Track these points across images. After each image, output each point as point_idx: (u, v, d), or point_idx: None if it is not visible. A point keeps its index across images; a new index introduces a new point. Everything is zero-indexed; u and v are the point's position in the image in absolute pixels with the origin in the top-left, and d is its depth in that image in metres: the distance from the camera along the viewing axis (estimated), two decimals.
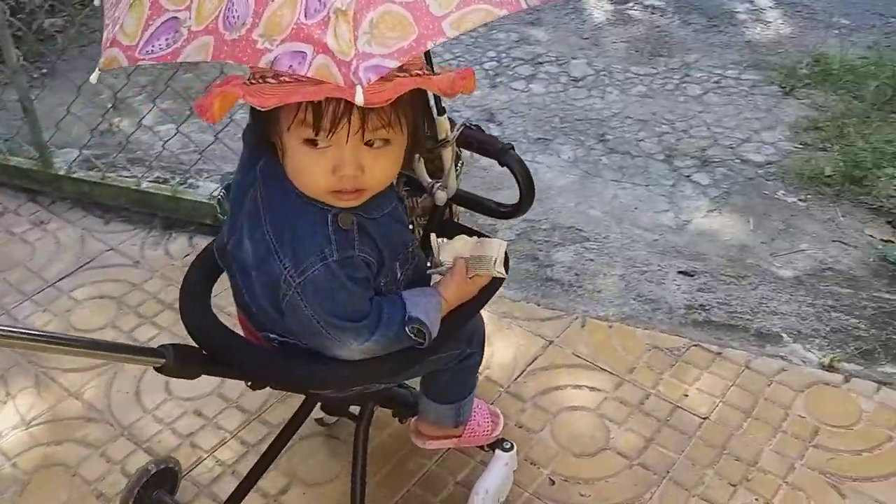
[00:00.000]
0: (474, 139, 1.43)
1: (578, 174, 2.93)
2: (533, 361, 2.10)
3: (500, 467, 1.73)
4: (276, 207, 1.22)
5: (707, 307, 2.29)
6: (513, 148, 1.42)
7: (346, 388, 1.40)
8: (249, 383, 1.47)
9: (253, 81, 1.09)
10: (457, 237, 1.42)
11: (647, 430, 1.92)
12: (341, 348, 1.23)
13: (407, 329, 1.25)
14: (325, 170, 1.14)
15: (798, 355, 2.12)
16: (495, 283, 1.40)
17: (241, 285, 1.31)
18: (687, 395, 2.01)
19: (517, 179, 1.42)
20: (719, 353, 2.12)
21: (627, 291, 2.34)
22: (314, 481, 1.84)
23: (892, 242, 2.59)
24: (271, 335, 1.31)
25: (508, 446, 1.75)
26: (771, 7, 4.10)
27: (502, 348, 2.14)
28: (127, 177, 2.80)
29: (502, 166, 1.41)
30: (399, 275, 1.31)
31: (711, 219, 2.71)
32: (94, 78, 1.10)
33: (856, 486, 1.79)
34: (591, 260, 2.48)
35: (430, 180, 1.45)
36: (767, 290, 2.36)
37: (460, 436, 1.71)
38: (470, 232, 1.47)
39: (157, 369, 1.25)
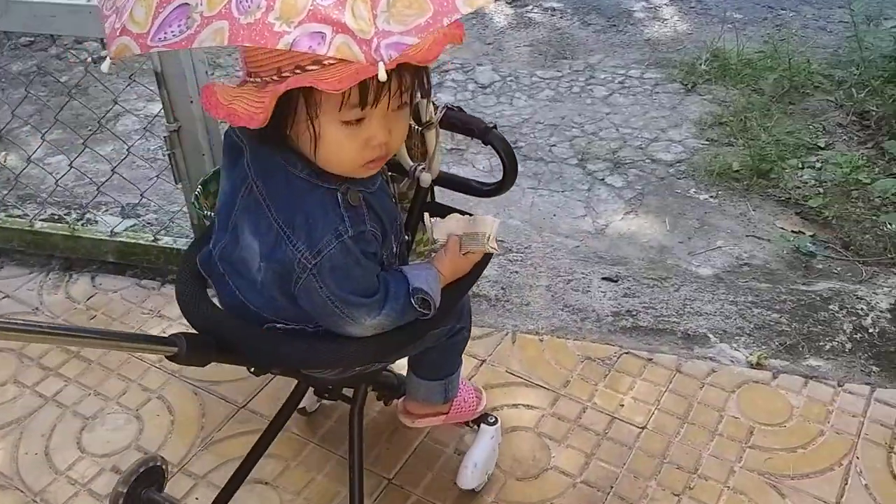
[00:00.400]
0: (458, 120, 1.46)
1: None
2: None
3: (487, 441, 1.79)
4: (280, 196, 1.24)
5: (633, 312, 2.29)
6: (495, 127, 1.46)
7: (356, 365, 1.43)
8: (252, 369, 1.50)
9: (254, 80, 1.13)
10: (449, 216, 1.47)
11: (588, 446, 1.90)
12: (354, 325, 1.27)
13: (413, 301, 1.30)
14: (360, 144, 1.20)
15: (726, 355, 2.14)
16: (486, 258, 1.47)
17: (235, 286, 1.34)
18: (623, 405, 2.00)
19: (501, 157, 1.46)
20: (650, 359, 2.12)
21: (555, 302, 2.32)
22: (309, 467, 1.86)
23: (803, 234, 2.65)
24: (277, 325, 1.34)
25: (493, 420, 1.80)
26: (666, 4, 4.17)
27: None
28: (18, 216, 2.61)
29: (486, 145, 1.46)
30: (395, 248, 1.37)
31: (629, 221, 2.72)
32: (105, 66, 1.09)
33: (794, 484, 1.81)
34: (516, 272, 2.44)
35: (412, 163, 1.47)
36: (690, 290, 2.38)
37: (448, 412, 1.75)
38: (458, 212, 1.52)
39: (169, 358, 1.26)
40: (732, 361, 2.12)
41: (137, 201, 2.64)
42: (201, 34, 1.02)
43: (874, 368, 2.10)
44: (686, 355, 2.14)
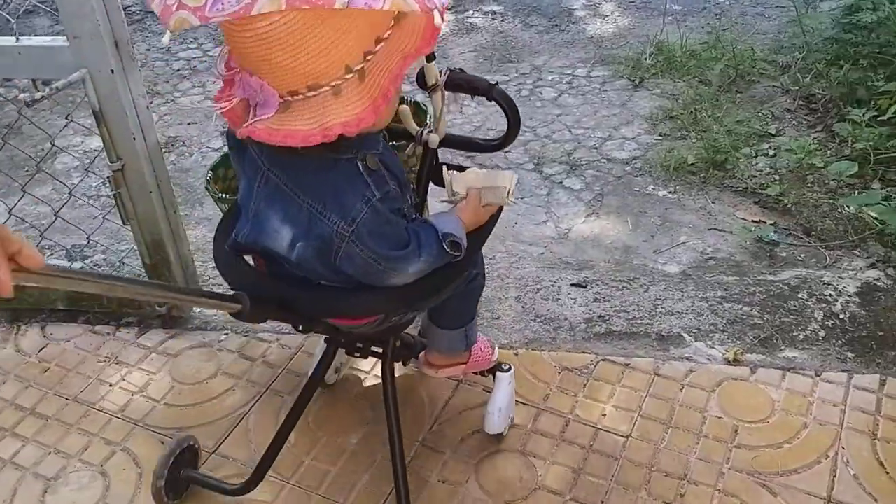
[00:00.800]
0: (462, 81, 1.51)
1: None
2: (445, 406, 1.99)
3: (505, 387, 1.89)
4: (303, 179, 1.30)
5: (606, 318, 2.26)
6: (497, 84, 1.52)
7: (402, 310, 1.53)
8: (301, 327, 1.56)
9: (311, 93, 1.15)
10: (468, 170, 1.55)
11: (574, 461, 1.86)
12: (398, 276, 1.37)
13: (444, 245, 1.39)
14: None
15: (702, 354, 2.12)
16: (499, 210, 1.57)
17: (274, 267, 1.43)
18: (605, 415, 1.96)
19: (505, 111, 1.52)
20: (627, 365, 2.09)
21: (526, 314, 2.28)
22: (341, 433, 1.93)
23: (764, 222, 2.65)
24: (322, 283, 1.42)
25: (507, 367, 1.91)
26: (606, 0, 4.17)
27: (411, 397, 2.02)
28: None
29: (490, 101, 1.52)
30: (410, 200, 1.45)
31: (591, 224, 2.70)
32: (166, 39, 1.19)
33: (784, 481, 1.79)
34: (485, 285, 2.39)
35: (417, 128, 1.53)
36: (659, 289, 2.36)
37: (467, 362, 1.88)
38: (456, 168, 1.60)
39: (233, 315, 1.32)
40: (709, 360, 2.10)
41: (84, 243, 2.53)
42: (259, 1, 1.03)
43: (849, 355, 2.09)
44: (663, 357, 2.12)
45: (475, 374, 1.96)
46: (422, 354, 1.88)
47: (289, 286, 1.42)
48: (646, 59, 3.57)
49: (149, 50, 3.95)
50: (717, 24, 3.77)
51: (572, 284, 2.38)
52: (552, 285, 2.38)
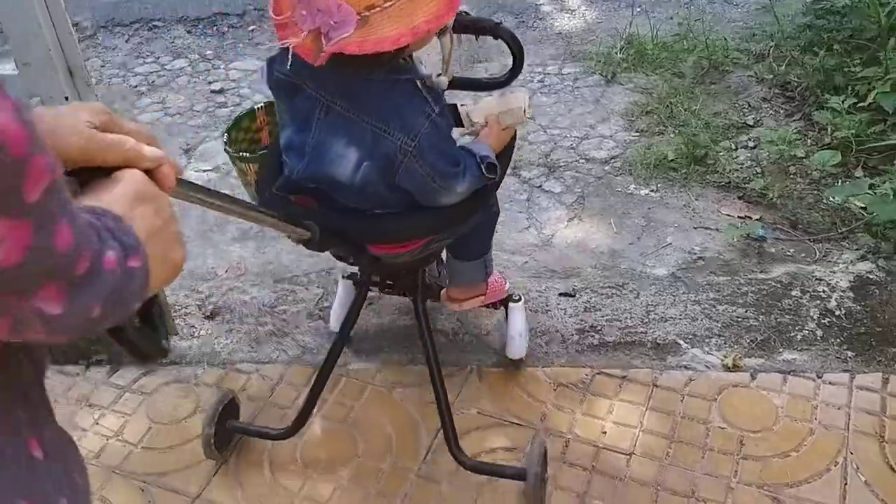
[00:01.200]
0: (469, 22, 1.58)
1: None
2: (439, 433, 1.90)
3: (520, 315, 2.04)
4: (365, 102, 1.40)
5: (598, 328, 2.18)
6: (501, 23, 1.62)
7: (445, 233, 1.66)
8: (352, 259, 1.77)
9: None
10: (482, 100, 1.65)
11: (578, 484, 1.78)
12: (448, 195, 1.50)
13: (483, 167, 1.51)
14: None
15: (700, 361, 2.06)
16: (515, 132, 1.71)
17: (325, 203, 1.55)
18: (605, 432, 1.89)
19: (510, 47, 1.60)
20: (624, 377, 2.02)
21: None
22: (331, 470, 1.87)
23: (750, 218, 2.60)
24: (375, 211, 1.55)
25: (518, 297, 2.06)
26: None
27: (403, 425, 1.93)
28: None
29: (496, 39, 1.60)
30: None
31: (574, 228, 2.62)
32: None
33: (794, 492, 1.73)
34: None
35: (426, 72, 1.53)
36: (650, 294, 2.29)
37: (485, 293, 2.01)
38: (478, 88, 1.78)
39: (304, 241, 1.43)
40: (708, 367, 2.04)
41: None
42: None
43: (849, 354, 2.04)
44: (660, 366, 2.05)
45: (490, 306, 2.08)
46: (443, 293, 2.01)
47: (342, 217, 1.54)
48: (617, 53, 3.50)
49: (103, 66, 3.79)
50: (686, 14, 3.71)
51: (561, 294, 2.30)
52: (540, 296, 2.30)
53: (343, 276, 2.13)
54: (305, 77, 1.42)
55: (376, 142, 1.41)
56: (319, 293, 2.34)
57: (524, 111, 1.60)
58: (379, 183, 1.46)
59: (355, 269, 2.04)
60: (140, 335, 0.76)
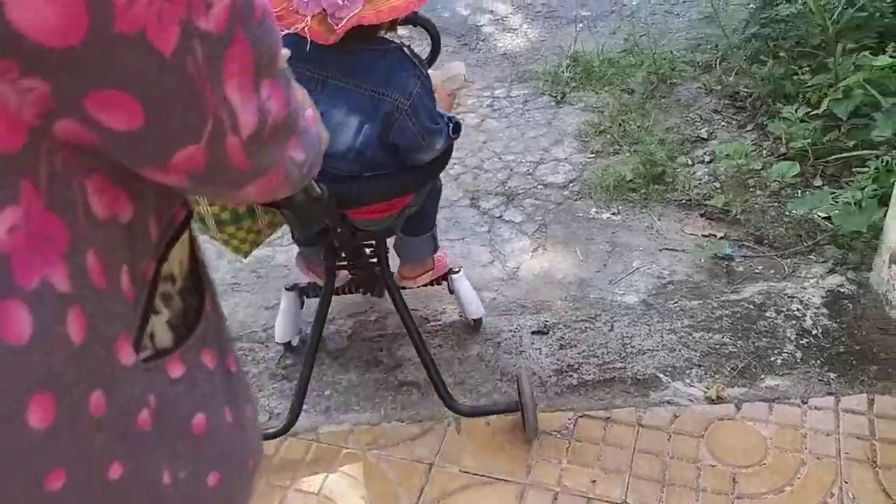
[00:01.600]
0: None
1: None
2: (420, 497, 1.81)
3: (465, 282, 2.22)
4: (363, 72, 1.55)
5: (575, 366, 2.11)
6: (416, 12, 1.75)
7: (422, 187, 1.82)
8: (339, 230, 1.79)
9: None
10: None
11: None
12: (428, 153, 1.66)
13: (450, 126, 1.68)
14: None
15: (683, 395, 2.00)
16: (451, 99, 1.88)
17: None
18: (595, 482, 1.81)
19: (427, 30, 1.82)
20: (608, 418, 1.95)
21: (491, 373, 2.11)
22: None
23: (714, 236, 2.56)
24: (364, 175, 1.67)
25: (457, 270, 2.23)
26: (512, 14, 4.05)
27: (381, 489, 1.83)
28: None
29: (415, 26, 1.80)
30: None
31: (539, 258, 2.55)
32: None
33: None
34: (439, 346, 2.21)
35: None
36: (624, 325, 2.22)
37: (434, 268, 2.21)
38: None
39: (315, 201, 1.42)
40: (691, 400, 1.98)
41: None
42: None
43: (831, 375, 2.00)
44: (643, 404, 1.98)
45: (435, 283, 2.23)
46: (396, 273, 2.11)
47: (336, 182, 1.56)
48: (564, 72, 3.45)
49: None
50: (630, 28, 3.68)
51: (533, 332, 2.23)
52: (512, 336, 2.22)
53: (286, 288, 2.17)
54: (298, 61, 1.47)
55: (376, 105, 1.56)
56: (280, 350, 2.22)
57: (463, 76, 1.83)
58: (376, 144, 1.60)
59: (298, 280, 2.22)
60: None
